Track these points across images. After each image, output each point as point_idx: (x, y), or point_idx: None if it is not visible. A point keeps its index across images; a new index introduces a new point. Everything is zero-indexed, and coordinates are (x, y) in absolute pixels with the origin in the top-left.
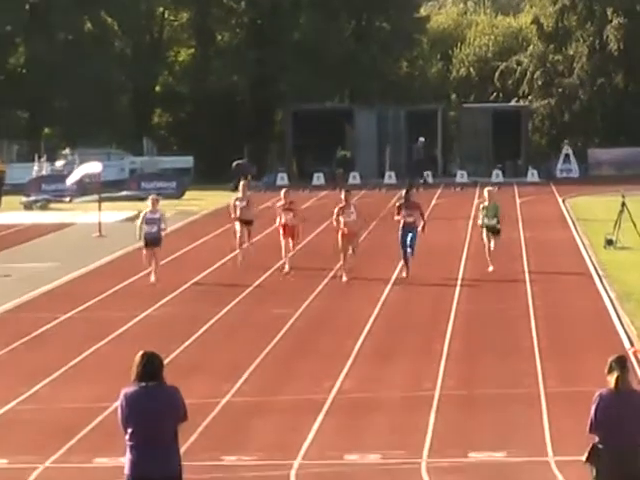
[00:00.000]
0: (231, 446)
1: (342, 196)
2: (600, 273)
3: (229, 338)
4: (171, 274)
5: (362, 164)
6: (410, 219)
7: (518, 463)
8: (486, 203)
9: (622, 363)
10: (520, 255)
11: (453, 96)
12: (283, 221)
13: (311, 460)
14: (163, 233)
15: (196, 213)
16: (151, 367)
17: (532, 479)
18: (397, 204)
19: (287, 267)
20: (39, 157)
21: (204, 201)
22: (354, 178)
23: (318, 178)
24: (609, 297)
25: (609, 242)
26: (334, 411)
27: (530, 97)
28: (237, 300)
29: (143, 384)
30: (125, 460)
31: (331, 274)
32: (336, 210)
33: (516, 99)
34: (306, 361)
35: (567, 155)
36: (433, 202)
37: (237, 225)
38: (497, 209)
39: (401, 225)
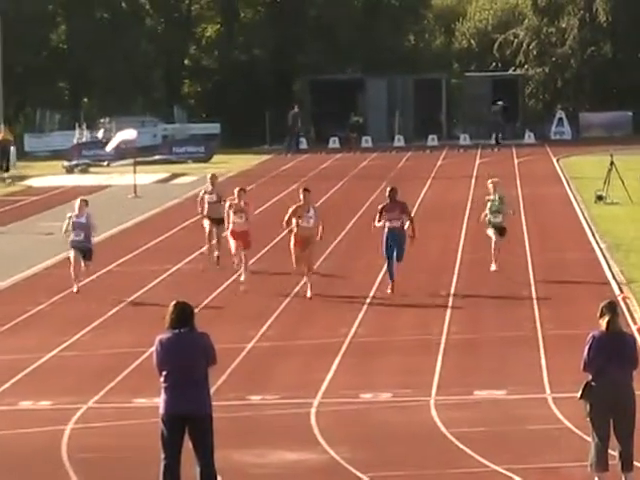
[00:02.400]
0: (256, 386)
1: (300, 195)
2: (591, 226)
3: (254, 288)
4: (200, 232)
5: (373, 129)
6: (396, 223)
7: (518, 400)
8: (491, 196)
9: (613, 308)
10: (518, 210)
11: (456, 66)
12: (231, 225)
13: (329, 399)
14: (93, 242)
15: (222, 175)
16: (183, 315)
17: (531, 414)
18: (380, 206)
19: (242, 279)
20: (79, 125)
21: (230, 164)
22: (366, 142)
23: (334, 142)
24: (600, 248)
25: (599, 198)
26: (349, 354)
27: (526, 66)
28: (260, 254)
29: (176, 330)
30: (160, 400)
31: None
32: (290, 210)
33: (513, 68)
34: (324, 309)
35: (560, 119)
36: (438, 163)
37: (205, 223)
38: (502, 203)
39: (385, 232)
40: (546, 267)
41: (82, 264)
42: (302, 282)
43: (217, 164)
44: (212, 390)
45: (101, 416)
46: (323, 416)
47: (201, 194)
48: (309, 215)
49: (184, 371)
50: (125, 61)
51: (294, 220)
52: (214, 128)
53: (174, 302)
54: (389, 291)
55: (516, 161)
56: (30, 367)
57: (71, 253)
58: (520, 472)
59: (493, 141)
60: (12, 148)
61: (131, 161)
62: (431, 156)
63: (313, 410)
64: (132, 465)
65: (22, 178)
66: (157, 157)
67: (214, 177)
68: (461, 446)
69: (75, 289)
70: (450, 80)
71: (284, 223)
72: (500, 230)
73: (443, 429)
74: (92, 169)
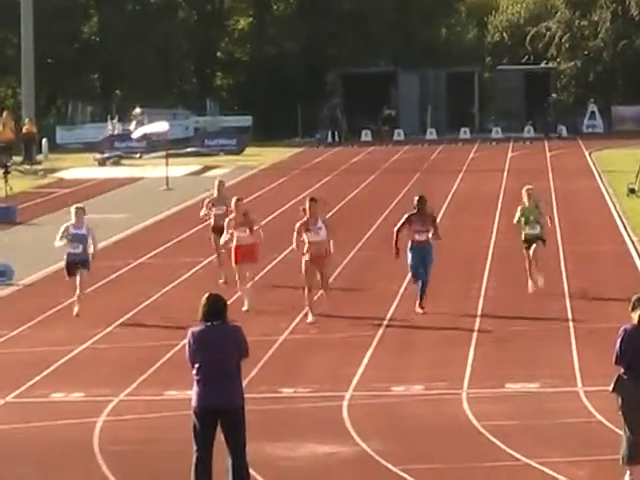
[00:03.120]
0: (288, 379)
1: (306, 206)
2: (623, 219)
3: (287, 282)
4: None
5: (405, 122)
6: (423, 237)
7: (550, 393)
8: (526, 204)
9: None
10: (549, 203)
11: (488, 59)
12: (235, 241)
13: (361, 392)
14: (91, 254)
15: (254, 167)
16: (215, 308)
17: (563, 408)
18: (406, 215)
19: (245, 306)
20: (111, 117)
21: (262, 156)
22: (398, 134)
23: (366, 135)
24: (631, 241)
25: (631, 191)
26: (381, 347)
27: (558, 59)
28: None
29: (209, 323)
30: (192, 393)
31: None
32: (297, 227)
33: (545, 61)
34: (355, 302)
35: (592, 112)
36: (470, 156)
37: (213, 237)
38: (539, 210)
39: (409, 245)
40: (578, 260)
41: (77, 279)
42: (316, 296)
43: (249, 156)
44: (244, 383)
45: (133, 408)
46: (354, 409)
47: (206, 202)
48: (318, 226)
49: (216, 364)
50: (157, 54)
51: (305, 236)
52: (246, 121)
53: (207, 295)
54: (419, 310)
55: (548, 155)
56: (62, 359)
57: (65, 269)
58: (552, 465)
59: (556, 134)
60: (44, 140)
61: (163, 153)
62: (463, 149)
63: (345, 403)
64: (163, 458)
65: (54, 170)
66: (189, 149)
67: (222, 184)
68: (493, 439)
69: (75, 311)
70: (482, 73)
71: (294, 242)
72: (537, 241)
73: (475, 422)
74: (124, 161)
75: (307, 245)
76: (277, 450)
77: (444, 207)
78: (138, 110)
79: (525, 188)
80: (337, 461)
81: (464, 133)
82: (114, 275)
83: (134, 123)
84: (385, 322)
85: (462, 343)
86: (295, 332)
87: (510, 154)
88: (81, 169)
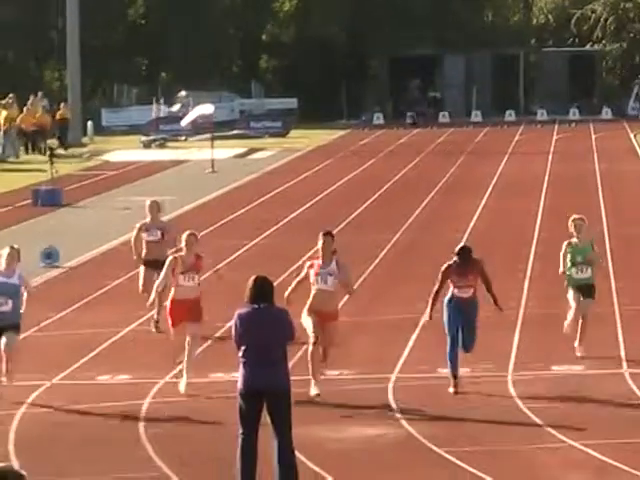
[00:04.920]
0: (334, 362)
1: (319, 243)
2: None
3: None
4: (277, 206)
5: (451, 104)
6: (467, 293)
7: (595, 375)
8: (574, 239)
9: None
10: (595, 185)
11: (533, 41)
12: (174, 293)
13: (406, 374)
14: (22, 309)
15: (300, 150)
16: (262, 290)
17: (608, 390)
18: (444, 267)
19: (182, 388)
20: (157, 100)
21: (307, 139)
22: (443, 117)
23: (411, 117)
24: None
25: None
26: (426, 329)
27: (603, 41)
28: (336, 230)
29: (255, 306)
30: (238, 375)
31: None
32: (305, 269)
33: (590, 43)
34: (400, 285)
35: (637, 94)
36: (516, 138)
37: (141, 270)
38: (590, 250)
39: (448, 298)
40: (623, 242)
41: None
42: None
43: (295, 139)
44: (290, 365)
45: (177, 391)
46: (400, 391)
47: (135, 231)
48: (328, 271)
49: (263, 347)
50: (202, 36)
51: (313, 279)
52: (291, 103)
53: (254, 277)
54: (451, 390)
55: (593, 137)
56: (108, 341)
57: None
58: (597, 447)
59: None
60: (89, 122)
61: (208, 136)
62: (508, 131)
63: (390, 385)
64: (208, 440)
65: (99, 153)
66: (234, 132)
67: (154, 205)
68: (538, 421)
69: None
70: (528, 56)
71: (287, 294)
72: (588, 290)
73: (520, 404)
74: (169, 144)
75: (312, 293)
76: (323, 432)
77: (490, 188)
78: (183, 93)
79: (572, 218)
80: (383, 444)
81: (509, 115)
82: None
83: (179, 106)
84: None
85: (508, 325)
86: (341, 314)
87: (555, 136)
88: (126, 151)
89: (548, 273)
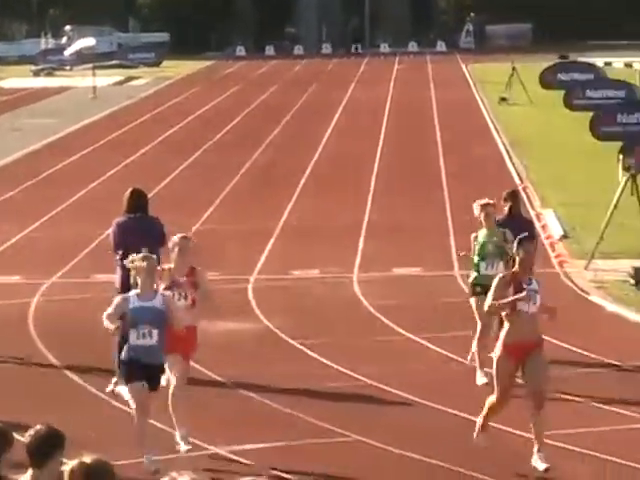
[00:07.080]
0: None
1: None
2: (496, 124)
3: (201, 178)
4: (150, 127)
5: (304, 38)
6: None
7: (430, 277)
8: (483, 231)
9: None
10: (431, 107)
11: None
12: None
13: (264, 275)
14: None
15: (171, 78)
16: (138, 201)
17: (441, 289)
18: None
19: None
20: (45, 34)
21: (178, 68)
22: (298, 49)
23: (269, 49)
24: (503, 143)
25: (502, 99)
26: (281, 237)
27: None
28: (202, 149)
29: (132, 215)
30: (116, 276)
31: None
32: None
33: None
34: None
35: (468, 30)
36: (362, 68)
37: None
38: (502, 242)
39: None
40: (456, 161)
41: None
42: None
43: (167, 68)
44: None
45: (63, 290)
46: (259, 291)
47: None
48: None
49: (138, 250)
50: None
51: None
52: (163, 37)
53: (130, 189)
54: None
55: (430, 66)
56: (2, 247)
57: None
58: (432, 340)
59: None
60: None
61: (90, 66)
62: (355, 62)
63: (250, 286)
64: (91, 334)
65: None
66: (113, 62)
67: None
68: (380, 316)
69: None
70: None
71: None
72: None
73: (364, 301)
74: (56, 73)
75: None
76: None
77: (339, 111)
78: (69, 27)
79: (478, 203)
80: (243, 336)
81: (355, 49)
82: (46, 172)
83: (65, 39)
84: (284, 216)
85: (353, 234)
86: (206, 223)
87: (396, 67)
88: (18, 79)
89: (391, 186)
